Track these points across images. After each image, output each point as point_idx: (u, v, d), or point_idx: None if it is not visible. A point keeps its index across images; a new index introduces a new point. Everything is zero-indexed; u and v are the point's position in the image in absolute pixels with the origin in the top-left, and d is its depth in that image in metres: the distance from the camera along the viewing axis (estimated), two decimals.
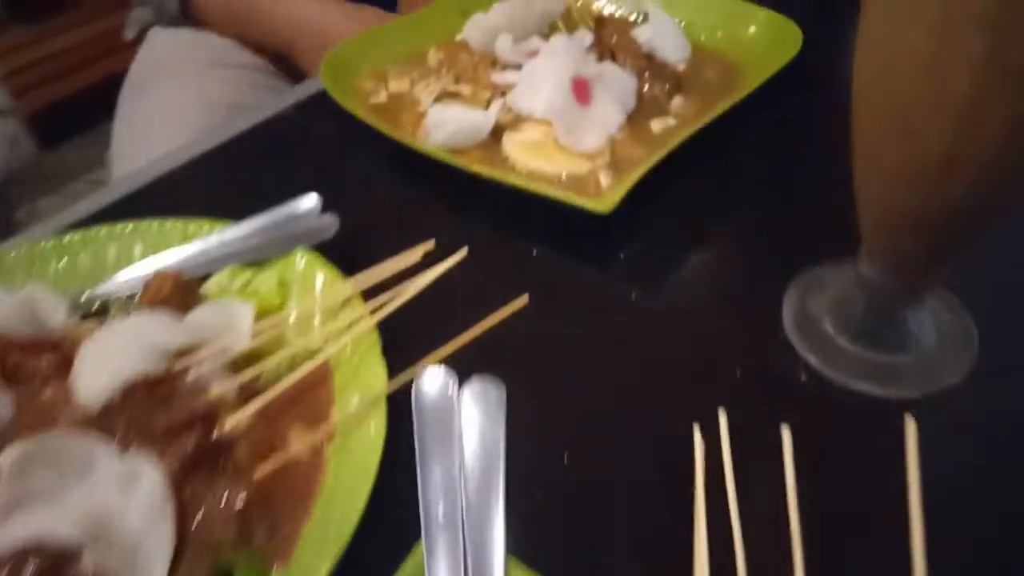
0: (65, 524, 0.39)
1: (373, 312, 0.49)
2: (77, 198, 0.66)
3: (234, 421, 0.44)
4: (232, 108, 0.92)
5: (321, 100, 0.68)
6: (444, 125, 0.59)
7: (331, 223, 0.58)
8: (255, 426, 0.45)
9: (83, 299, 0.54)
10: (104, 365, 0.44)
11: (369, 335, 0.48)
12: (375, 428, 0.43)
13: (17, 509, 0.39)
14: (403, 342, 0.48)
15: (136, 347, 0.45)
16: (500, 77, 0.65)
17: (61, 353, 0.48)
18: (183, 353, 0.46)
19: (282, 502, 0.43)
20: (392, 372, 0.45)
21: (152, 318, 0.48)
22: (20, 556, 0.37)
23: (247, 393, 0.45)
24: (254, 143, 0.70)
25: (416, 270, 0.50)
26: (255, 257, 0.57)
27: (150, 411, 0.44)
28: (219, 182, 0.66)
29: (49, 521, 0.39)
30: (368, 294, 0.50)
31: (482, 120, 0.59)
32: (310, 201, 0.60)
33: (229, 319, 0.50)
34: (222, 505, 0.41)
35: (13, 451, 0.40)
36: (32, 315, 0.50)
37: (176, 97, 0.94)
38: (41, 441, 0.41)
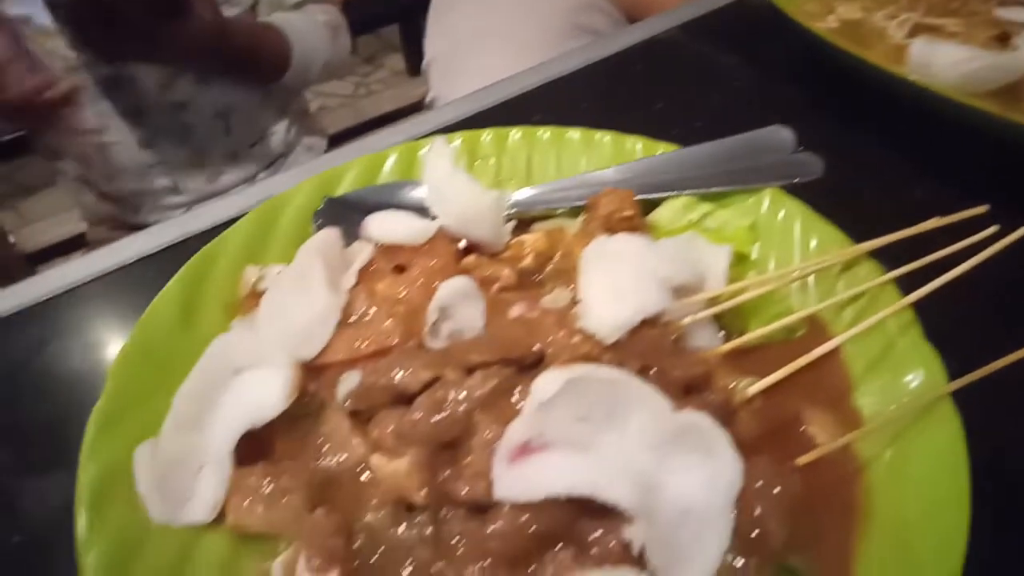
0: (612, 482, 0.37)
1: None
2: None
3: (744, 390, 0.45)
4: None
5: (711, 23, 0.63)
6: (955, 65, 0.57)
7: (814, 164, 0.59)
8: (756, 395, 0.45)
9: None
10: (618, 301, 0.44)
11: (901, 315, 0.48)
12: (948, 442, 0.42)
13: (544, 448, 0.39)
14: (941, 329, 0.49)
15: (648, 281, 0.46)
16: (1008, 12, 0.59)
17: (511, 263, 0.54)
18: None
19: (815, 503, 0.41)
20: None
21: (651, 247, 0.48)
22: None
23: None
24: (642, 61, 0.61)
25: (939, 238, 0.52)
26: (717, 188, 0.59)
27: (659, 357, 0.44)
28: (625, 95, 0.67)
29: (594, 474, 0.37)
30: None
31: (1006, 60, 0.54)
32: (781, 134, 0.61)
33: (699, 259, 0.50)
34: (776, 496, 0.39)
35: (550, 383, 0.39)
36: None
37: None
38: (577, 376, 0.39)
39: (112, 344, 0.66)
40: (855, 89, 0.75)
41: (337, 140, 1.45)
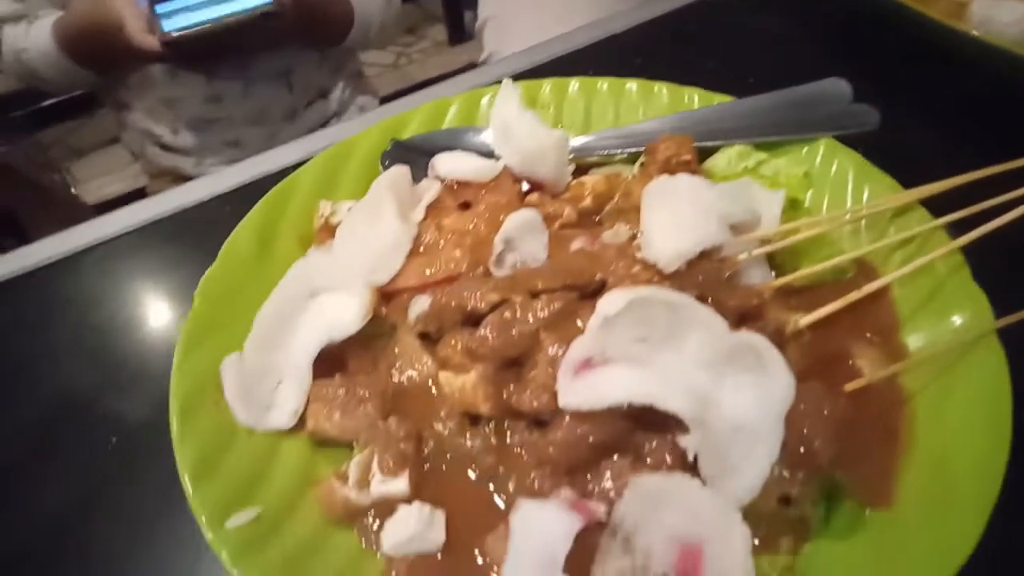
0: (671, 393, 0.40)
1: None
2: None
3: (794, 323, 0.47)
4: None
5: None
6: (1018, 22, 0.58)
7: (870, 115, 0.61)
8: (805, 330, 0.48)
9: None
10: (679, 231, 0.47)
11: (950, 258, 0.50)
12: (992, 377, 0.44)
13: (605, 364, 0.42)
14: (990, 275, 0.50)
15: (707, 216, 0.49)
16: None
17: (572, 203, 0.58)
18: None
19: (861, 429, 0.44)
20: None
21: (709, 186, 0.52)
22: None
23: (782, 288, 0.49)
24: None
25: (992, 191, 0.52)
26: (772, 138, 0.62)
27: (715, 288, 0.47)
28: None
29: (653, 385, 0.41)
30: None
31: None
32: (839, 86, 0.63)
33: (752, 203, 0.52)
34: (824, 417, 0.42)
35: (615, 300, 0.42)
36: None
37: None
38: (641, 295, 0.42)
39: (187, 276, 0.71)
40: (915, 45, 0.76)
41: (386, 101, 1.48)
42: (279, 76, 1.30)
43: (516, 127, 0.56)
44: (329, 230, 0.60)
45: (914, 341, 0.51)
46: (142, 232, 0.75)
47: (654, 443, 0.44)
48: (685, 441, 0.42)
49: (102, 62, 1.21)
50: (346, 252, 0.54)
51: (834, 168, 0.60)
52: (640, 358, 0.44)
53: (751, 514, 0.42)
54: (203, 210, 0.77)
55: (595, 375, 0.43)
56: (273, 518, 0.46)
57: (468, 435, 0.48)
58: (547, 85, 0.71)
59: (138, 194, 1.84)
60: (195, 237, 0.70)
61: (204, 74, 1.24)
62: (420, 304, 0.52)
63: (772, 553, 0.43)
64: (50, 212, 1.29)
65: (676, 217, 0.48)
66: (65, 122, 2.80)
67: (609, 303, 0.43)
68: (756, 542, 0.42)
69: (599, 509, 0.43)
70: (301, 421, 0.51)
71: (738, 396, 0.43)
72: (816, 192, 0.60)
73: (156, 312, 0.69)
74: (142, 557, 0.52)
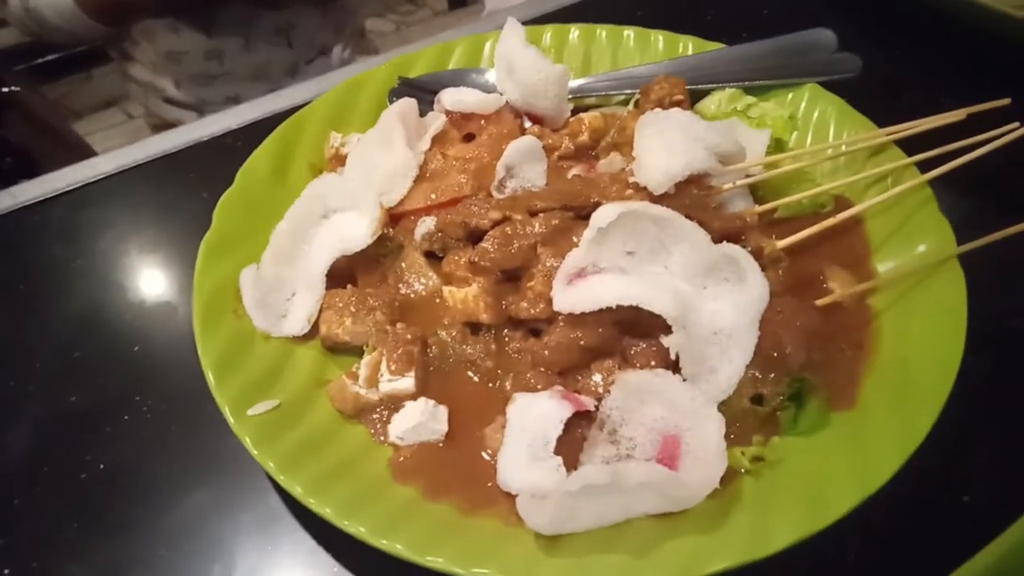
0: (656, 296, 0.45)
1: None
2: None
3: (771, 247, 0.52)
4: None
5: None
6: None
7: (853, 62, 0.66)
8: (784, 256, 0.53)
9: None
10: (669, 155, 0.51)
11: (919, 190, 0.56)
12: (952, 293, 0.50)
13: (598, 274, 0.48)
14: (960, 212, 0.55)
15: (697, 143, 0.53)
16: None
17: (570, 137, 0.62)
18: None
19: (830, 341, 0.49)
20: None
21: (700, 120, 0.55)
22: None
23: (764, 219, 0.54)
24: None
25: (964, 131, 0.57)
26: (760, 82, 0.66)
27: (700, 210, 0.52)
28: None
29: (641, 289, 0.46)
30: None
31: None
32: (824, 36, 0.68)
33: (738, 141, 0.56)
34: (796, 326, 0.48)
35: (608, 212, 0.47)
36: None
37: None
38: (632, 208, 0.47)
39: (204, 200, 0.73)
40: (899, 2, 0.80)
41: None
42: (279, 32, 1.32)
43: (519, 62, 0.60)
44: (339, 159, 0.64)
45: (884, 267, 0.55)
46: (160, 162, 0.78)
47: (640, 347, 0.48)
48: (668, 341, 0.46)
49: (108, 10, 1.23)
50: (358, 174, 0.58)
51: (817, 112, 0.64)
52: (629, 269, 0.48)
53: (726, 412, 0.46)
54: (215, 143, 0.80)
55: (587, 283, 0.48)
56: (289, 411, 0.50)
57: (469, 342, 0.53)
58: (548, 32, 0.74)
59: None
60: (209, 166, 0.73)
61: (204, 28, 1.26)
62: (426, 224, 0.56)
63: (744, 447, 0.47)
64: (63, 156, 1.31)
65: (667, 143, 0.52)
66: (60, 82, 2.81)
67: (602, 215, 0.47)
68: (731, 437, 0.47)
69: (588, 401, 0.47)
70: (313, 331, 0.55)
71: (717, 303, 0.47)
72: (800, 134, 0.64)
73: (174, 232, 0.72)
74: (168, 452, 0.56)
